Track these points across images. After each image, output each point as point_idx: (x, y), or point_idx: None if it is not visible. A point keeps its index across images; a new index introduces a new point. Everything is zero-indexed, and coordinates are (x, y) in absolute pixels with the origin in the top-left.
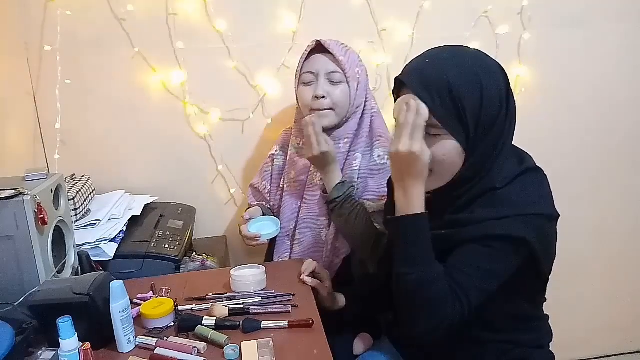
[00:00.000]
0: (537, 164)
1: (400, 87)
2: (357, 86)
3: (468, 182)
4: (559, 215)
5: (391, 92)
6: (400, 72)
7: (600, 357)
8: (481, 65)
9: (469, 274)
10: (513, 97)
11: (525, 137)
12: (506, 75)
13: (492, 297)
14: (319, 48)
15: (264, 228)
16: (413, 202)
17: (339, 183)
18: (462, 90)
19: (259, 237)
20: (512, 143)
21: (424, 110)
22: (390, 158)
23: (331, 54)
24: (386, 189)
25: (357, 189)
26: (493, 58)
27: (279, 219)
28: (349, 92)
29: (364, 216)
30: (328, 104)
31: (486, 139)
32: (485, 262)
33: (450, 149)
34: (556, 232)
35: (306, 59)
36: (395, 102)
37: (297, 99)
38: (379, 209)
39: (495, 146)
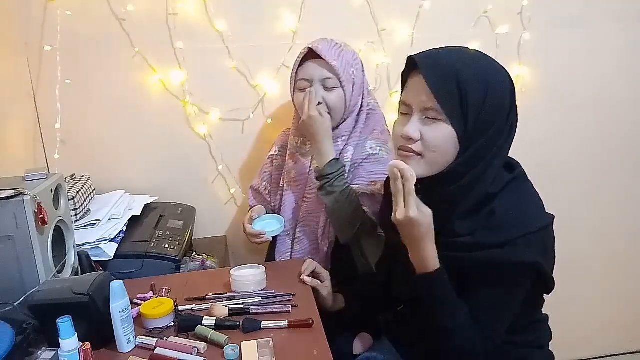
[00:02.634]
0: (524, 170)
1: (411, 67)
2: (353, 87)
3: (457, 180)
4: (554, 217)
5: (392, 91)
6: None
7: (600, 357)
8: (492, 67)
9: (491, 315)
10: (516, 110)
11: (525, 137)
12: (514, 87)
13: None
14: (312, 53)
15: (268, 226)
16: (427, 262)
17: (332, 159)
18: (469, 81)
19: (264, 235)
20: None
21: (412, 174)
22: (397, 225)
23: (324, 59)
24: (376, 176)
25: (348, 177)
26: (506, 70)
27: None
28: (344, 96)
29: (354, 197)
30: (324, 109)
31: (483, 138)
32: (500, 296)
33: (445, 133)
34: (554, 235)
35: (300, 65)
36: (402, 85)
37: (294, 104)
38: (368, 192)
39: (489, 150)
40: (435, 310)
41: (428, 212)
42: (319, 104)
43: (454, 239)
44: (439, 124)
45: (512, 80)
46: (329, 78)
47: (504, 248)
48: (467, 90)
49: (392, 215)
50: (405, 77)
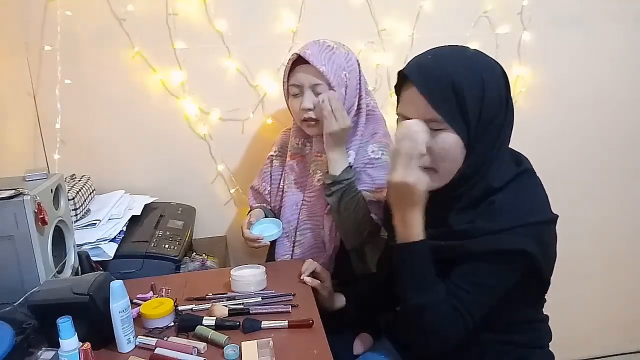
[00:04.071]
0: (532, 166)
1: (403, 81)
2: (346, 90)
3: (467, 181)
4: (557, 217)
5: (392, 91)
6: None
7: (600, 357)
8: (483, 63)
9: (470, 291)
10: (512, 100)
11: (525, 137)
12: (506, 77)
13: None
14: (302, 58)
15: (266, 230)
16: (411, 230)
17: (348, 166)
18: (464, 84)
19: (261, 239)
20: (509, 145)
21: (422, 138)
22: (388, 186)
23: (312, 65)
24: (380, 181)
25: None
26: (495, 60)
27: (279, 219)
28: None
29: (364, 205)
30: (316, 115)
31: (485, 136)
32: (486, 278)
33: (452, 142)
34: (556, 234)
35: (291, 69)
36: (397, 98)
37: (288, 107)
38: (375, 199)
39: (493, 145)
40: (411, 282)
41: (425, 179)
42: (310, 110)
43: (452, 228)
44: (443, 133)
45: (503, 70)
46: (318, 84)
47: (501, 234)
48: (464, 94)
49: (389, 175)
50: (398, 89)
